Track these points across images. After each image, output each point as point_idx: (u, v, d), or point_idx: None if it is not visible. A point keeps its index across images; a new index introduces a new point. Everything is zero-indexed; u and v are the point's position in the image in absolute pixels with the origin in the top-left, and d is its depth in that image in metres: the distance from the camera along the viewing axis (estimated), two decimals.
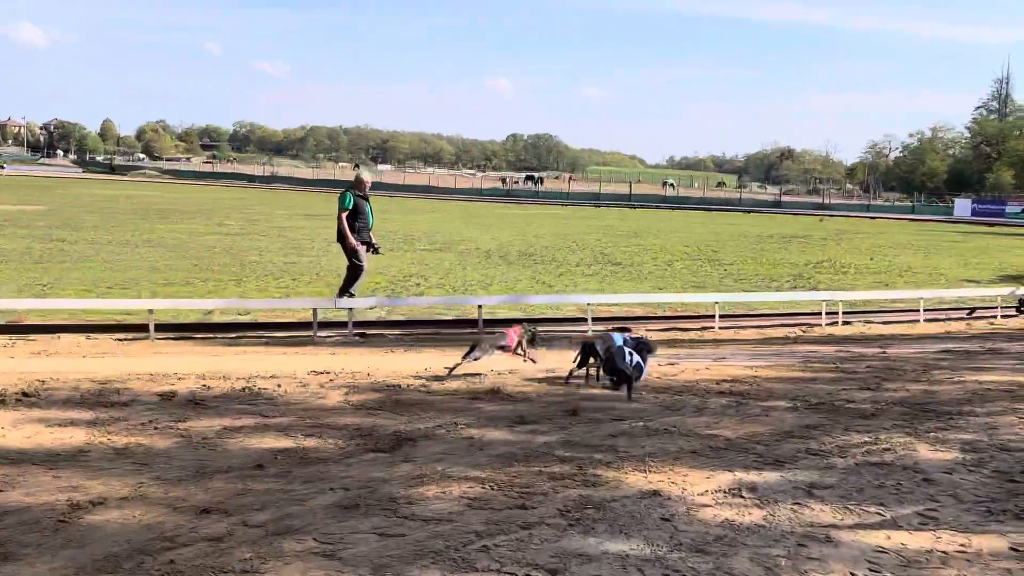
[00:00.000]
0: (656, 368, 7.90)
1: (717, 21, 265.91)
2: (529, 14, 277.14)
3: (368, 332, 10.56)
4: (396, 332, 10.67)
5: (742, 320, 12.57)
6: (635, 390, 6.88)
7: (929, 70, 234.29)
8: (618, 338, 7.53)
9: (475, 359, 7.60)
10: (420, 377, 7.45)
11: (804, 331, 12.11)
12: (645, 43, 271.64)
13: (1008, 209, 63.38)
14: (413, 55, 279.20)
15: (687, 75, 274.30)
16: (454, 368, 7.57)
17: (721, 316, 12.15)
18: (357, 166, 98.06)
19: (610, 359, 7.16)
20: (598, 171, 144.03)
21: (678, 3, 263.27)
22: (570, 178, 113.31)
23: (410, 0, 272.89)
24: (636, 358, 7.19)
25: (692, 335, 11.44)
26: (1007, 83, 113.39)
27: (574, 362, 7.57)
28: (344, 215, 11.30)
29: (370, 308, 11.65)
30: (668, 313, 12.89)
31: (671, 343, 10.22)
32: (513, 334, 8.05)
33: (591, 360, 7.49)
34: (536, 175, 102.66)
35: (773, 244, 28.90)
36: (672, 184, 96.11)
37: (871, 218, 57.75)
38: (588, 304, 11.69)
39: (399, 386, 7.03)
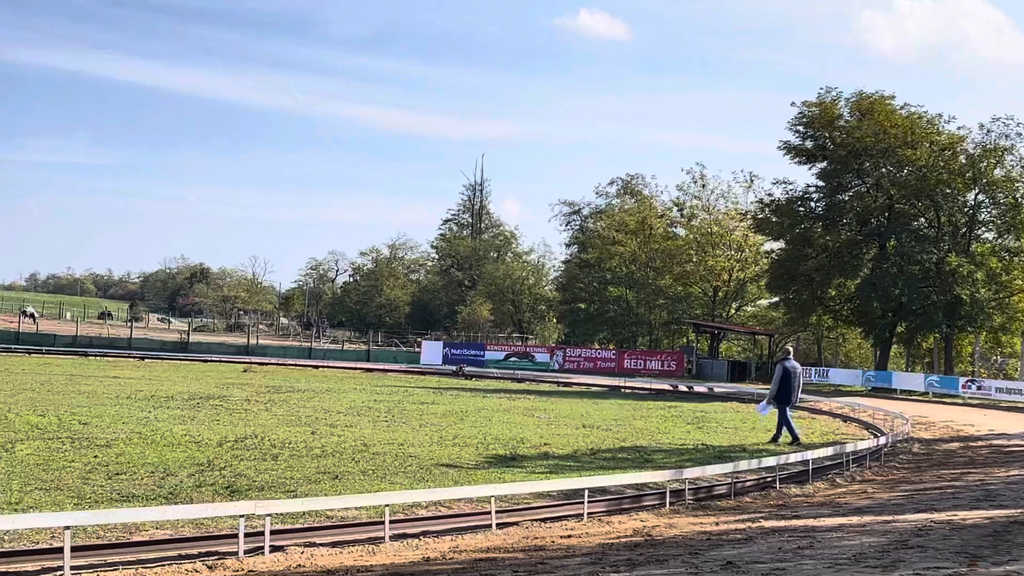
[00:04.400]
0: None
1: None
2: None
3: None
4: None
5: (112, 552, 11.19)
6: None
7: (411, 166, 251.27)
8: None
9: None
10: None
11: (214, 566, 11.08)
12: None
13: (488, 355, 68.47)
14: None
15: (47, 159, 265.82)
16: None
17: (77, 548, 10.66)
18: None
19: None
20: None
21: None
22: None
23: None
24: None
25: None
26: (481, 191, 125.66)
27: None
28: None
29: None
30: None
31: None
32: None
33: None
34: None
35: (174, 410, 28.00)
36: (33, 314, 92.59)
37: (314, 367, 59.94)
38: None
39: None
